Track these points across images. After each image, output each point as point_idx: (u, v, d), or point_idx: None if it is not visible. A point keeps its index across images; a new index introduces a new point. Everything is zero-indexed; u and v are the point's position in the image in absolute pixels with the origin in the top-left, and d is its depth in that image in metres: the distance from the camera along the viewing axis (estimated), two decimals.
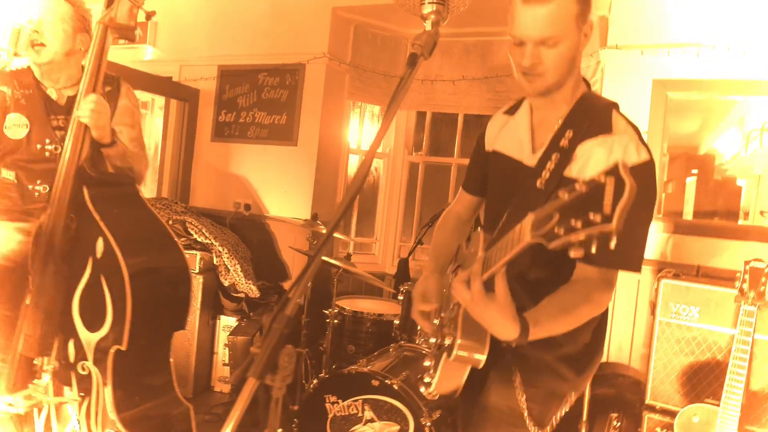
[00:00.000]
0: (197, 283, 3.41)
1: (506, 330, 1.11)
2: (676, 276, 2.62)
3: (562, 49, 1.24)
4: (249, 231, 3.95)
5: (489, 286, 1.12)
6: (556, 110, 1.34)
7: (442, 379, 1.39)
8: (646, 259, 3.00)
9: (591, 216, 0.80)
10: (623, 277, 3.09)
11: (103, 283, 1.86)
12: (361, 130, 4.38)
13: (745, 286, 2.18)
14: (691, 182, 4.04)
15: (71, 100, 1.96)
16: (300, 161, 3.89)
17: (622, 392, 2.76)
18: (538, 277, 1.31)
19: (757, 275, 2.16)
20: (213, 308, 3.56)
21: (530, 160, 1.35)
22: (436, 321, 1.50)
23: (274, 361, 0.97)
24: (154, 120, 4.89)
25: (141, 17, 2.01)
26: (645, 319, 2.98)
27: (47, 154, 1.97)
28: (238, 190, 4.09)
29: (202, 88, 4.24)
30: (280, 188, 3.97)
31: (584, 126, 1.26)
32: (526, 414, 1.34)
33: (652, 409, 2.58)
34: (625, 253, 1.17)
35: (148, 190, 4.57)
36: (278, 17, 3.99)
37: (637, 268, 1.22)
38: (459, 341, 1.24)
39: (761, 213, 3.34)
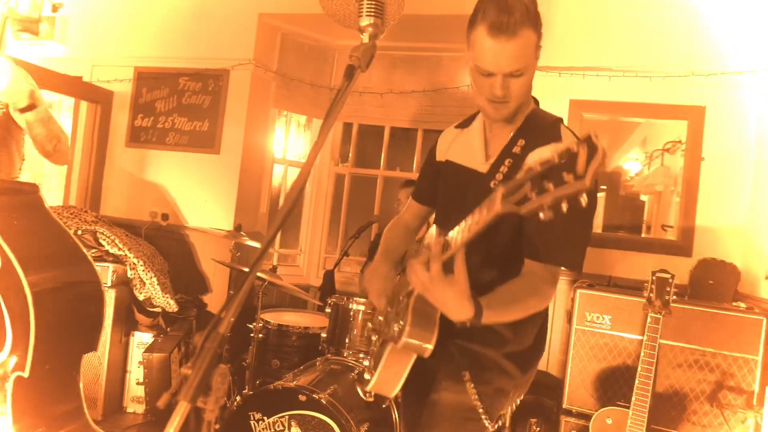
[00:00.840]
0: (109, 297, 3.18)
1: (461, 310, 1.14)
2: (590, 286, 2.77)
3: (526, 78, 1.32)
4: (166, 242, 3.76)
5: (446, 269, 1.15)
6: (509, 124, 1.42)
7: (382, 378, 1.39)
8: (563, 271, 3.16)
9: (565, 176, 0.84)
10: None
11: (1, 303, 1.68)
12: (287, 139, 4.31)
13: (652, 295, 2.33)
14: (600, 197, 4.31)
15: None
16: (222, 170, 3.76)
17: (541, 398, 2.87)
18: (487, 280, 1.35)
19: (662, 285, 2.32)
20: (126, 324, 3.35)
21: (483, 167, 1.42)
22: (381, 317, 1.50)
23: (206, 383, 0.92)
24: (61, 122, 4.55)
25: (48, 10, 1.88)
26: (562, 327, 3.13)
27: None
28: (154, 198, 3.88)
29: (116, 90, 4.01)
30: (200, 197, 3.81)
31: (535, 136, 1.35)
32: (479, 406, 1.38)
33: (568, 413, 2.71)
34: (569, 252, 1.30)
35: (53, 197, 4.24)
36: (202, 21, 3.85)
37: (577, 267, 1.34)
38: (408, 328, 1.26)
39: (662, 227, 3.61)
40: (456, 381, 1.41)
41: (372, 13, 1.35)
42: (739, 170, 2.95)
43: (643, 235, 3.71)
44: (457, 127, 1.59)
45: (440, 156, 1.58)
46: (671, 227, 3.27)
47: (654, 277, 2.33)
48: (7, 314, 1.67)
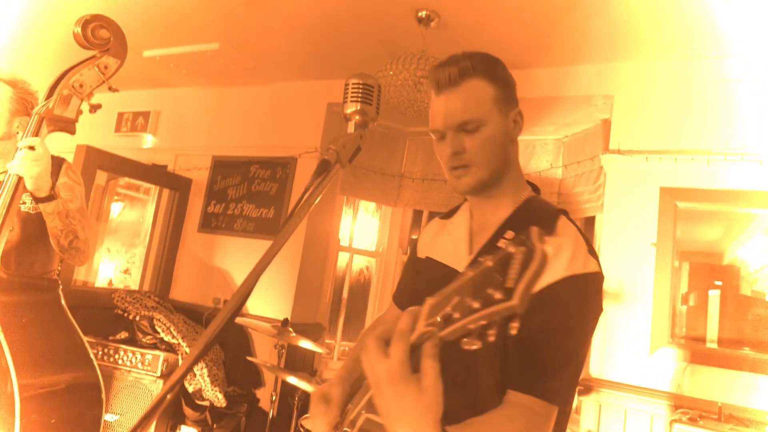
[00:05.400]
0: (156, 387, 3.08)
1: None
2: (693, 420, 2.20)
3: (486, 134, 1.10)
4: (227, 329, 3.66)
5: (413, 362, 0.76)
6: (498, 213, 1.16)
7: None
8: (659, 392, 2.59)
9: (490, 292, 0.62)
10: (633, 409, 2.61)
11: None
12: (353, 226, 4.16)
13: None
14: (714, 296, 3.64)
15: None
16: (283, 258, 3.66)
17: None
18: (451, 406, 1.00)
19: None
20: (173, 417, 3.21)
21: (465, 265, 1.14)
22: None
23: None
24: (152, 207, 4.79)
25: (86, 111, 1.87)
26: None
27: None
28: (219, 284, 3.85)
29: (195, 178, 4.14)
30: (261, 285, 3.70)
31: (527, 228, 1.04)
32: None
33: None
34: (541, 379, 0.96)
35: (133, 279, 4.38)
36: (274, 111, 3.94)
37: (554, 400, 0.96)
38: None
39: None
40: None
41: (358, 98, 1.14)
42: None
43: None
44: (442, 218, 1.34)
45: (421, 252, 1.33)
46: None
47: None
48: None
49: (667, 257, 2.72)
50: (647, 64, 2.87)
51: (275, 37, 3.31)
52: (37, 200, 1.75)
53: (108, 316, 3.38)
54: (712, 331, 3.15)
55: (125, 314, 3.36)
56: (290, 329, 2.92)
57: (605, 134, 3.00)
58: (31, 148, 1.63)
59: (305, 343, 2.84)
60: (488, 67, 1.12)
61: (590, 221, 3.31)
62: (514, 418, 0.94)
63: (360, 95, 1.14)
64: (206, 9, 3.05)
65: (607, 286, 2.79)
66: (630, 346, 2.71)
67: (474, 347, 0.64)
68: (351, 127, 1.15)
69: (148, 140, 4.45)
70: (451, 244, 1.23)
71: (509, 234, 1.07)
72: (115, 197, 4.84)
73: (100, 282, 4.51)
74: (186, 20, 3.22)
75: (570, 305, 0.99)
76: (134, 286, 4.21)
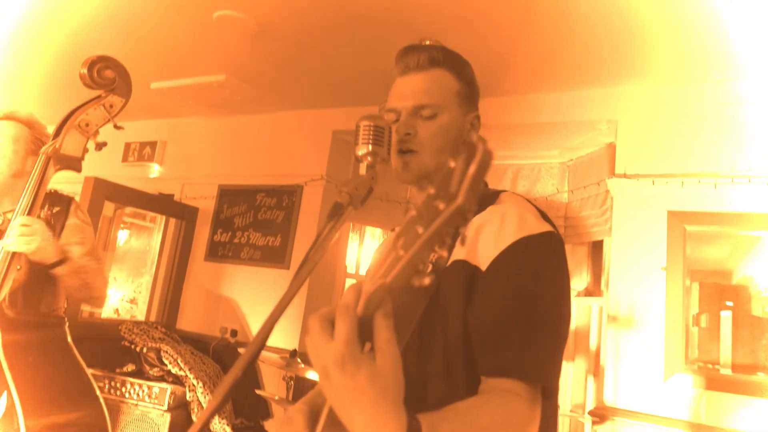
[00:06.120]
0: (164, 421, 3.05)
1: (380, 424, 0.61)
2: None
3: (441, 123, 1.10)
4: (233, 359, 3.63)
5: (364, 340, 0.68)
6: None
7: None
8: (676, 420, 2.55)
9: (434, 205, 0.56)
10: None
11: None
12: (360, 252, 4.16)
13: None
14: (726, 317, 3.60)
15: None
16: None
17: None
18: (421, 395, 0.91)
19: None
20: None
21: None
22: None
23: None
24: (159, 236, 4.79)
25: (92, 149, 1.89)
26: None
27: None
28: (226, 313, 3.83)
29: (201, 207, 4.15)
30: (268, 314, 3.69)
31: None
32: None
33: None
34: (514, 356, 0.85)
35: (140, 309, 4.37)
36: (280, 140, 3.97)
37: (533, 378, 0.85)
38: None
39: None
40: None
41: (369, 140, 1.15)
42: None
43: None
44: (392, 230, 1.35)
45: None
46: None
47: None
48: None
49: (677, 281, 2.70)
50: (651, 88, 2.88)
51: (280, 67, 3.35)
52: (47, 267, 1.78)
53: (115, 348, 3.36)
54: (726, 355, 3.11)
55: (132, 346, 3.35)
56: (299, 360, 2.90)
57: (610, 158, 3.00)
58: (25, 225, 1.64)
59: (314, 375, 2.81)
60: (456, 64, 1.13)
61: (598, 245, 3.30)
62: (493, 405, 0.82)
63: (371, 137, 1.15)
64: (213, 42, 3.09)
65: (617, 311, 2.77)
66: (644, 373, 2.68)
67: (426, 281, 0.58)
68: (363, 169, 1.16)
69: (154, 170, 4.48)
70: None
71: None
72: (122, 225, 4.85)
73: (107, 312, 4.50)
74: (193, 53, 3.26)
75: (529, 267, 0.92)
76: (140, 316, 4.20)
